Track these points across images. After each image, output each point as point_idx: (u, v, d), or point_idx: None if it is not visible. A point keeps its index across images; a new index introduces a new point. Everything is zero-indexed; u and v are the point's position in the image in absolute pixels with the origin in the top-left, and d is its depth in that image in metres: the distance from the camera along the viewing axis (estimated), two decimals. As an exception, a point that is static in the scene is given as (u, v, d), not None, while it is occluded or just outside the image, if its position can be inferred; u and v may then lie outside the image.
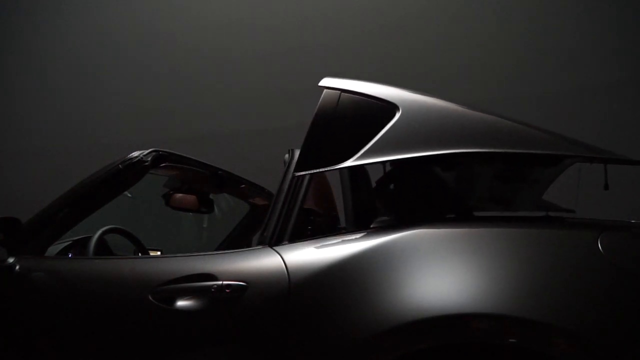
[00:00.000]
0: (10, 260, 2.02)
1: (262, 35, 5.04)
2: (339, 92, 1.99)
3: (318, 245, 1.88)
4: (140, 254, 2.83)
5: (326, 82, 2.03)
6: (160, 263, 2.09)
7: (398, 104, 1.92)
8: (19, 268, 2.01)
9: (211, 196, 2.95)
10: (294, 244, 1.92)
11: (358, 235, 1.87)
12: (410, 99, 1.97)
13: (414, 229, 1.85)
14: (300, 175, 1.98)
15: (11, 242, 2.06)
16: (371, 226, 1.98)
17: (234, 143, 4.90)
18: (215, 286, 1.83)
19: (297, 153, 2.16)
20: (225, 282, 1.83)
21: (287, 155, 2.17)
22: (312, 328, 1.75)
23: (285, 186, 2.04)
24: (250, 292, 1.81)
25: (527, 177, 2.14)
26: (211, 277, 1.86)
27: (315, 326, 1.75)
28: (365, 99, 1.97)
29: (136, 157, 2.26)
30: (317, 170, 1.96)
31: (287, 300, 1.78)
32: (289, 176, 2.07)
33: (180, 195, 2.83)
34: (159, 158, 2.35)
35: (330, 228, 2.41)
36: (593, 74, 4.29)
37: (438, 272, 1.73)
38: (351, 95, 1.98)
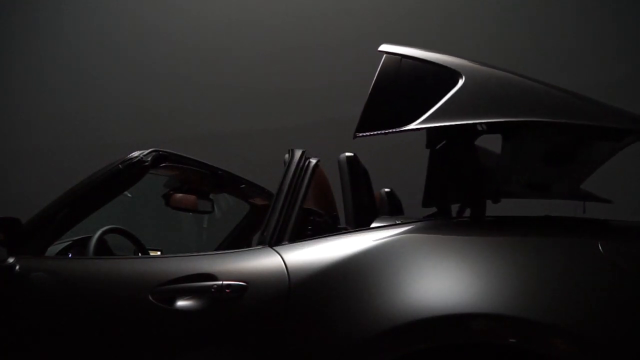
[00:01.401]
0: (10, 260, 2.02)
1: (262, 35, 5.04)
2: (400, 57, 1.98)
3: (318, 245, 1.87)
4: (140, 254, 2.83)
5: (386, 47, 2.02)
6: (160, 263, 2.09)
7: (461, 72, 1.92)
8: (19, 268, 2.01)
9: (211, 196, 2.94)
10: (294, 244, 1.92)
11: (358, 235, 1.87)
12: (473, 67, 1.96)
13: (414, 229, 1.85)
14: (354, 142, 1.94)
15: (11, 242, 2.06)
16: (371, 226, 1.98)
17: (234, 143, 4.90)
18: (215, 286, 1.83)
19: (297, 153, 2.16)
20: (225, 282, 1.83)
21: (287, 155, 2.17)
22: (312, 328, 1.75)
23: (285, 186, 2.04)
24: (250, 292, 1.81)
25: (581, 155, 2.10)
26: (211, 277, 1.85)
27: (315, 326, 1.75)
28: (427, 66, 1.97)
29: (136, 157, 2.26)
30: (379, 132, 1.93)
31: (287, 300, 1.77)
32: (289, 176, 2.07)
33: (180, 195, 2.83)
34: (159, 158, 2.35)
35: (330, 228, 2.41)
36: (593, 74, 4.29)
37: (438, 272, 1.73)
38: (412, 61, 1.98)
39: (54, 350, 1.94)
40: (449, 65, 1.95)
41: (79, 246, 2.65)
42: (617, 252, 1.68)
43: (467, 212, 2.26)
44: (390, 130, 1.91)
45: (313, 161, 2.17)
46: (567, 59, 4.42)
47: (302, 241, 1.93)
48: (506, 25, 4.60)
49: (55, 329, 1.95)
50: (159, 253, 3.01)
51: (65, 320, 1.95)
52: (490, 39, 4.59)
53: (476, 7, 4.69)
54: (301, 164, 2.12)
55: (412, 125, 1.86)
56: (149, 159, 2.27)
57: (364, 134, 1.92)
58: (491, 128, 2.09)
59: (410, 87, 1.98)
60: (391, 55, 1.99)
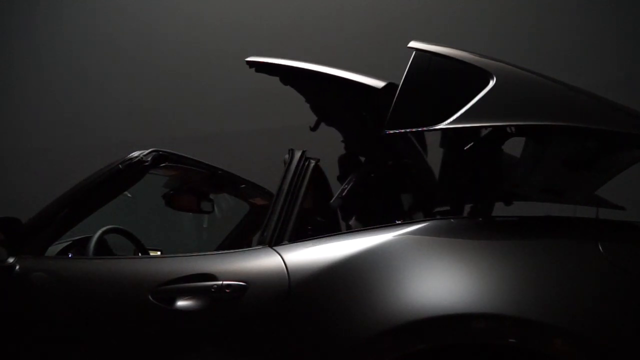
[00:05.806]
0: (10, 260, 2.02)
1: (263, 35, 5.04)
2: (430, 55, 1.96)
3: (318, 245, 1.88)
4: (140, 254, 2.83)
5: (415, 44, 1.99)
6: (160, 263, 2.09)
7: (492, 72, 1.88)
8: (19, 268, 2.01)
9: (211, 196, 2.95)
10: (294, 244, 1.92)
11: (358, 235, 1.87)
12: (504, 69, 1.93)
13: (414, 229, 1.85)
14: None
15: (11, 242, 2.06)
16: (371, 226, 1.98)
17: (234, 143, 4.89)
18: (215, 286, 1.83)
19: (297, 153, 2.16)
20: (225, 282, 1.83)
21: (287, 155, 2.18)
22: (312, 328, 1.75)
23: (285, 186, 2.04)
24: (250, 292, 1.81)
25: (604, 162, 2.08)
26: (211, 277, 1.86)
27: (315, 326, 1.75)
28: (458, 64, 1.94)
29: (136, 157, 2.26)
30: (409, 130, 1.92)
31: (287, 300, 1.77)
32: (289, 176, 2.07)
33: (180, 195, 2.83)
34: (159, 158, 2.35)
35: (330, 228, 2.41)
36: (593, 74, 4.29)
37: (438, 272, 1.73)
38: (443, 59, 1.95)
39: (54, 350, 1.94)
40: (480, 65, 1.91)
41: (79, 246, 2.66)
42: (617, 252, 1.68)
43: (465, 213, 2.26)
44: (420, 129, 1.89)
45: (313, 161, 2.17)
46: (567, 59, 4.42)
47: (302, 241, 1.93)
48: (505, 26, 4.60)
49: (55, 329, 1.95)
50: (159, 253, 3.01)
51: (65, 320, 1.95)
52: (490, 40, 4.59)
53: (475, 6, 4.69)
54: (301, 164, 2.13)
55: (443, 125, 1.83)
56: (149, 159, 2.27)
57: (395, 130, 1.90)
58: (519, 131, 2.07)
59: (440, 85, 1.95)
60: (421, 52, 1.96)
